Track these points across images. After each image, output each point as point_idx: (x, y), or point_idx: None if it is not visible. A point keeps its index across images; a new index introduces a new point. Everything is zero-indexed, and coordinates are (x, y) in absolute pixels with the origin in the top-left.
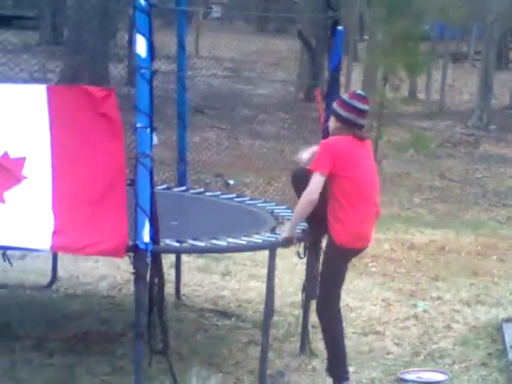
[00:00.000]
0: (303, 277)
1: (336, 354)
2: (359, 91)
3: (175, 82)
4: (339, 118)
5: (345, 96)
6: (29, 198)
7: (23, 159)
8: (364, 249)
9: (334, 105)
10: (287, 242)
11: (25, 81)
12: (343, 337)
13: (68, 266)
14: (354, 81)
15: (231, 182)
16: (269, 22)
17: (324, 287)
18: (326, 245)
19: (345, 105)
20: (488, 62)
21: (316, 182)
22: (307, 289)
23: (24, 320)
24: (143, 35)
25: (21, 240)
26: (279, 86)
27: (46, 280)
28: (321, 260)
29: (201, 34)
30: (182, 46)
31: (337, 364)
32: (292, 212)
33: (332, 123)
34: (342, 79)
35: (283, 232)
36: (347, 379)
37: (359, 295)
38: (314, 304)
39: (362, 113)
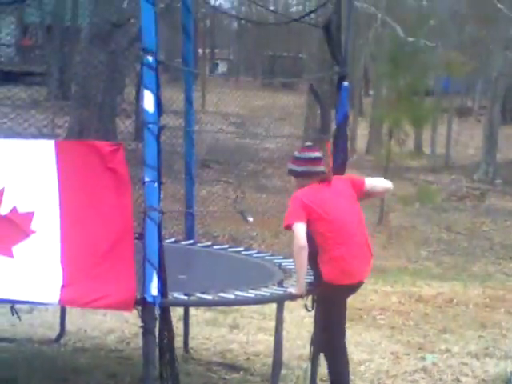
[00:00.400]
0: (311, 329)
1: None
2: (307, 143)
3: (183, 136)
4: (296, 173)
5: (296, 153)
6: (37, 252)
7: (32, 214)
8: (356, 285)
9: (289, 165)
10: (297, 297)
11: (33, 136)
12: (347, 373)
13: (76, 319)
14: (359, 135)
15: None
16: (274, 78)
17: (327, 325)
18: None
19: (297, 160)
20: (493, 117)
21: (298, 231)
22: (315, 342)
23: (32, 374)
24: (151, 91)
25: (29, 294)
26: (285, 140)
27: (54, 334)
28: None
29: (207, 89)
30: (189, 101)
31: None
32: None
33: (294, 182)
34: (348, 133)
35: (292, 287)
36: None
37: (368, 348)
38: (322, 357)
39: (315, 160)
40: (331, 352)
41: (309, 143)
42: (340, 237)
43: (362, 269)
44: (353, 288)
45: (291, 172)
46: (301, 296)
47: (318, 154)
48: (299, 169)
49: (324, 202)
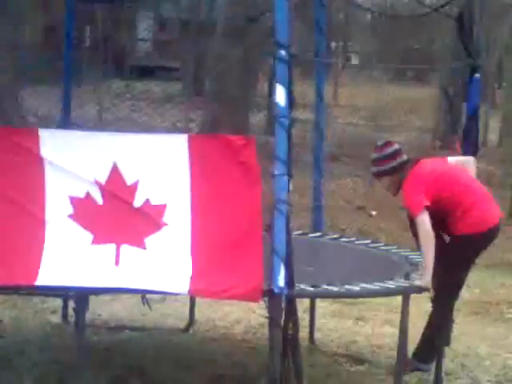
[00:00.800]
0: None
1: (433, 340)
2: (377, 143)
3: (313, 130)
4: (388, 172)
5: (374, 155)
6: (168, 244)
7: (164, 206)
8: (494, 230)
9: (373, 169)
10: (424, 290)
11: (168, 130)
12: (447, 332)
13: (205, 309)
14: (492, 128)
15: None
16: (407, 71)
17: (452, 280)
18: (452, 247)
19: (380, 160)
20: None
21: (423, 221)
22: (440, 334)
23: (160, 363)
24: (283, 85)
25: (160, 284)
26: (416, 133)
27: (183, 323)
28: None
29: (339, 83)
30: (319, 95)
31: (429, 348)
32: None
33: (388, 182)
34: (480, 126)
35: (419, 280)
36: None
37: (494, 342)
38: (448, 351)
39: (396, 153)
40: (442, 306)
41: (380, 142)
42: (467, 190)
43: (496, 211)
44: (491, 235)
45: (382, 173)
46: (427, 289)
47: (396, 147)
48: (387, 166)
49: (437, 172)
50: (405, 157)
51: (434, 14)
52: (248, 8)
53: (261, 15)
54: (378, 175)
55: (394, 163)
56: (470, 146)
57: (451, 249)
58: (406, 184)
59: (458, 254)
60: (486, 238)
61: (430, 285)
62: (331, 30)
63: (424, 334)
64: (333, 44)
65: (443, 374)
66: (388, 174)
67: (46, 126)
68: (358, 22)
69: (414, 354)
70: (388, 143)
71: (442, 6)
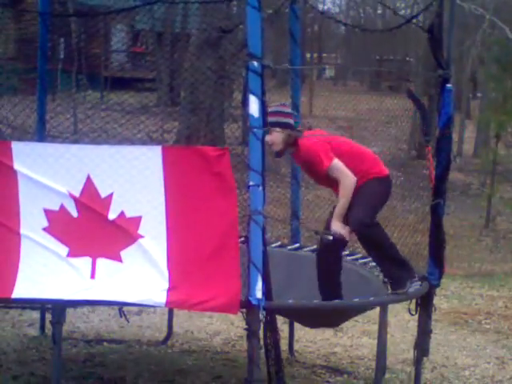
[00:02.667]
0: (415, 333)
1: (399, 259)
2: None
3: None
4: (281, 125)
5: (273, 109)
6: (144, 257)
7: (139, 218)
8: (391, 182)
9: (272, 120)
10: (342, 236)
11: (143, 141)
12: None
13: (183, 321)
14: (467, 138)
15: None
16: (381, 81)
17: (369, 210)
18: (367, 187)
19: (279, 114)
20: None
21: (340, 166)
22: (419, 345)
23: (140, 375)
24: (256, 96)
25: (137, 296)
26: (392, 143)
27: (161, 336)
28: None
29: (314, 93)
30: (295, 106)
31: (403, 268)
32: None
33: (277, 138)
34: (455, 136)
35: (333, 224)
36: (415, 277)
37: (473, 353)
38: (426, 361)
39: (293, 115)
40: (375, 232)
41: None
42: (361, 147)
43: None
44: (390, 182)
45: (275, 125)
46: (336, 234)
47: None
48: (283, 121)
49: (331, 135)
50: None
51: (406, 26)
52: (222, 20)
53: (235, 27)
54: (272, 125)
55: (290, 121)
56: (444, 157)
57: (361, 193)
58: (309, 143)
59: (368, 193)
60: (388, 182)
61: (339, 230)
62: (305, 41)
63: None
64: (307, 55)
65: None
66: (281, 127)
67: (21, 136)
68: (332, 33)
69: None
70: (287, 105)
71: (412, 18)
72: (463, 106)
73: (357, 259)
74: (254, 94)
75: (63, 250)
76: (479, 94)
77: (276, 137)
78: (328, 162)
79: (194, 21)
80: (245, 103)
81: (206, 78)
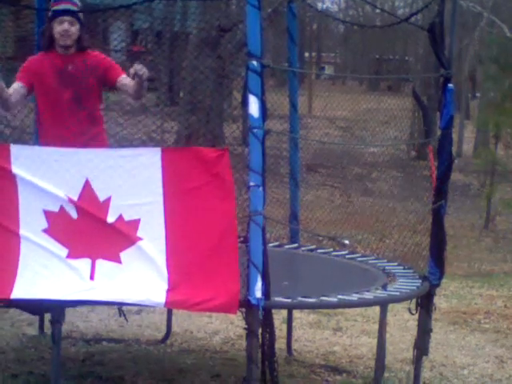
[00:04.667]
0: (414, 333)
1: None
2: None
3: (288, 141)
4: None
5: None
6: (143, 258)
7: (138, 221)
8: None
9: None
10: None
11: (142, 141)
12: None
13: (182, 321)
14: (466, 138)
15: (346, 241)
16: (380, 81)
17: None
18: None
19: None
20: None
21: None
22: (419, 345)
23: (139, 374)
24: (255, 95)
25: (136, 297)
26: (390, 143)
27: (160, 335)
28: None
29: (313, 93)
30: (294, 105)
31: None
32: (404, 268)
33: (76, 30)
34: (455, 136)
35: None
36: None
37: (471, 352)
38: (425, 360)
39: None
40: None
41: None
42: None
43: None
44: None
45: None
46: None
47: None
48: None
49: None
50: None
51: (407, 24)
52: (220, 18)
53: (234, 26)
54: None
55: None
56: (446, 157)
57: None
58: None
59: None
60: None
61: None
62: (304, 40)
63: None
64: (306, 54)
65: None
66: (81, 24)
67: (20, 136)
68: (332, 32)
69: None
70: None
71: (411, 16)
72: (462, 106)
73: (355, 258)
74: (253, 93)
75: (63, 251)
76: (478, 94)
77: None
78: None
79: (192, 19)
80: (244, 103)
81: (205, 78)
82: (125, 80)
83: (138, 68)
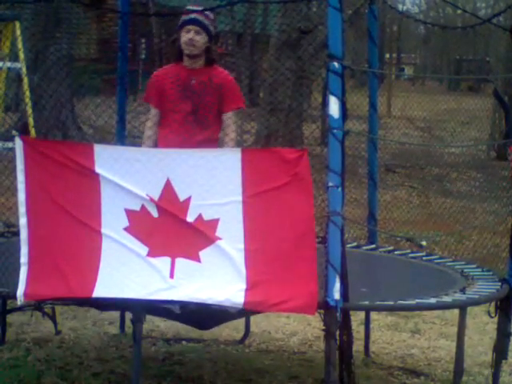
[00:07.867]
0: (494, 336)
1: None
2: None
3: (366, 141)
4: (209, 33)
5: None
6: (222, 257)
7: (217, 221)
8: None
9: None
10: None
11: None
12: None
13: (260, 321)
14: None
15: (424, 243)
16: (461, 81)
17: None
18: None
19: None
20: None
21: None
22: (498, 348)
23: (217, 374)
24: (336, 96)
25: (215, 297)
26: (472, 144)
27: (239, 335)
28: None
29: (393, 94)
30: (373, 106)
31: None
32: (483, 270)
33: (202, 41)
34: None
35: None
36: None
37: None
38: (505, 364)
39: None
40: None
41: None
42: None
43: None
44: None
45: (207, 28)
46: None
47: None
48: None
49: None
50: None
51: (488, 25)
52: (301, 20)
53: (314, 27)
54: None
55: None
56: None
57: None
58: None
59: None
60: None
61: None
62: (384, 41)
63: None
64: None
65: None
66: (209, 35)
67: (103, 137)
68: (412, 34)
69: None
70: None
71: (493, 17)
72: None
73: (433, 260)
74: (334, 94)
75: (143, 249)
76: None
77: (198, 39)
78: (242, 103)
79: (273, 22)
80: (325, 104)
81: (285, 79)
82: (228, 121)
83: None
